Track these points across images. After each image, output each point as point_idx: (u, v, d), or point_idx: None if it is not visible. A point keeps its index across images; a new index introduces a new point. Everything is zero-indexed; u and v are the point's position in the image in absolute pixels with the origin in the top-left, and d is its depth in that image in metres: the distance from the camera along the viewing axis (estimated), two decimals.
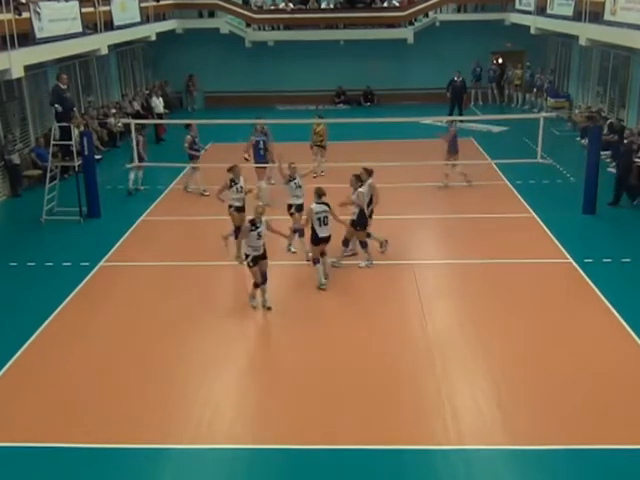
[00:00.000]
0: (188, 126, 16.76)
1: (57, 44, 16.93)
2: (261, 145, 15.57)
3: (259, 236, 10.34)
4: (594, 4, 18.96)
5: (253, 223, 10.36)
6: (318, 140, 17.55)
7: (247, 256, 10.43)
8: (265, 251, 10.54)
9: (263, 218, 10.46)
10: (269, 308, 10.60)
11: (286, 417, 8.04)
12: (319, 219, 11.16)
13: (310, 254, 11.84)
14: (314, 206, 11.20)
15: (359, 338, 9.80)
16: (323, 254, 11.47)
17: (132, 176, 16.55)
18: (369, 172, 12.33)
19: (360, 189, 11.97)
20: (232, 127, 19.21)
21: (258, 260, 10.42)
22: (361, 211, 11.95)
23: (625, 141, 15.57)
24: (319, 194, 11.33)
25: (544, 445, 7.45)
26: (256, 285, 10.60)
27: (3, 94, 17.32)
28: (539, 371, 8.87)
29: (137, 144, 15.67)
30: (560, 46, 26.47)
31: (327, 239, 11.39)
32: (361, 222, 12.01)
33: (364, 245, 12.16)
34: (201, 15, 28.71)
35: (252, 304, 10.71)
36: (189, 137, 16.44)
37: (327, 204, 11.27)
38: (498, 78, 27.99)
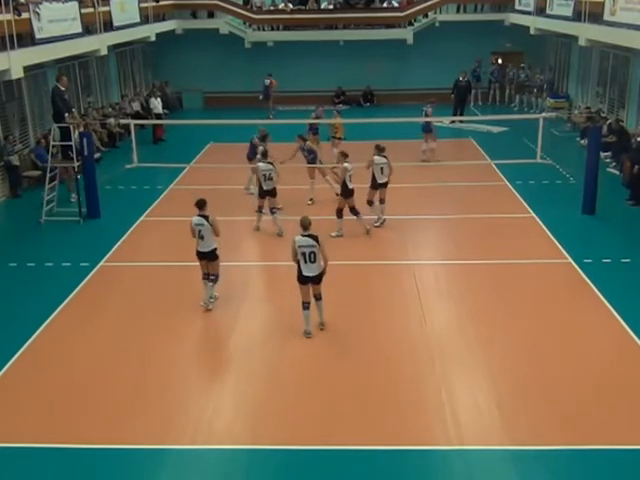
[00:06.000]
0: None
1: (57, 44, 16.93)
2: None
3: None
4: (593, 4, 18.96)
5: None
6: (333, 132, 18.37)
7: None
8: None
9: None
10: None
11: (285, 417, 8.04)
12: (303, 254, 9.62)
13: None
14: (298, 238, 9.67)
15: (358, 338, 9.80)
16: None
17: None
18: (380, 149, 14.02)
19: (345, 164, 13.33)
20: (232, 127, 19.23)
21: None
22: (343, 183, 13.32)
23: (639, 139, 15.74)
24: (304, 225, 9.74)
25: (544, 445, 7.45)
26: None
27: (2, 94, 17.32)
28: (538, 371, 8.87)
29: None
30: (560, 46, 26.48)
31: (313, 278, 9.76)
32: (344, 192, 13.38)
33: (340, 215, 13.41)
34: (195, 16, 28.70)
35: None
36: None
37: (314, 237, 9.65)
38: (501, 79, 27.98)
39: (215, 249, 10.56)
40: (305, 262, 9.58)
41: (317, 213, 13.61)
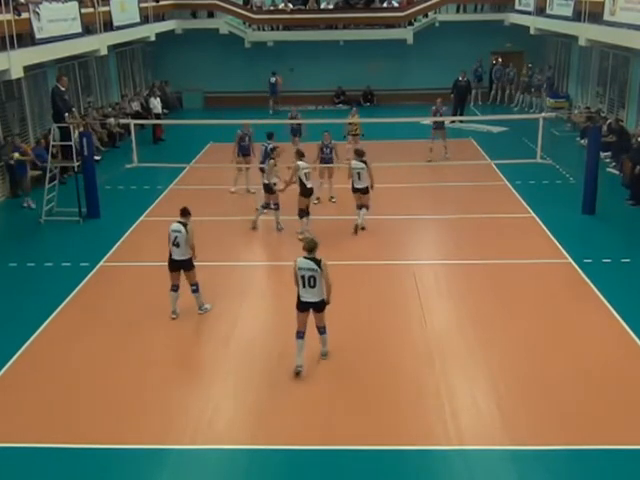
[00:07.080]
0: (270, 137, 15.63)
1: (56, 45, 16.94)
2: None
3: None
4: (593, 4, 18.97)
5: None
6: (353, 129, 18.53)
7: None
8: None
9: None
10: None
11: (285, 417, 8.04)
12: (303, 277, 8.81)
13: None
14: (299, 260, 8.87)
15: (358, 338, 9.79)
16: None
17: None
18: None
19: (298, 162, 13.41)
20: (232, 127, 19.20)
21: None
22: (301, 182, 13.34)
23: None
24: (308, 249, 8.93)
25: (544, 445, 7.45)
26: None
27: (2, 94, 17.31)
28: (538, 371, 8.87)
29: None
30: (560, 46, 26.48)
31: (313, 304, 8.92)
32: (302, 191, 13.39)
33: (301, 215, 13.33)
34: (195, 16, 28.71)
35: None
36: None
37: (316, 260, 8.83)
38: (503, 78, 27.97)
39: (190, 258, 10.33)
40: (304, 286, 8.77)
41: (325, 213, 13.64)
